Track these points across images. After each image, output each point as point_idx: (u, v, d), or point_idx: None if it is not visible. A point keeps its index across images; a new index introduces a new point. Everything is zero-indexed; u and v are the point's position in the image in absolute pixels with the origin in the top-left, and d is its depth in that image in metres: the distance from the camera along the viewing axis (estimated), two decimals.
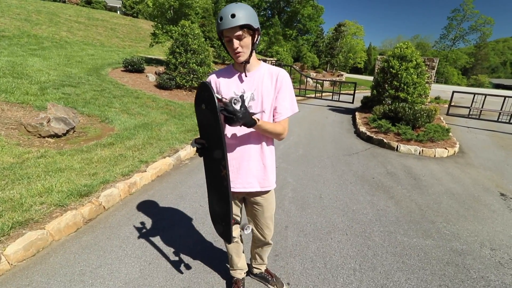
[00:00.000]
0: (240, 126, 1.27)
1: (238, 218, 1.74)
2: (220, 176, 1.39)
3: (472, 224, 3.04)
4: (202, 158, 1.50)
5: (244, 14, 1.24)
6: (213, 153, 1.41)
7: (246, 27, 1.27)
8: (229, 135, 1.48)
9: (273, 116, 1.49)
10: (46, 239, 2.32)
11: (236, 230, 1.75)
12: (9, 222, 2.32)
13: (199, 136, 1.47)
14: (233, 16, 1.22)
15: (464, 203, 3.52)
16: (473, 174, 4.62)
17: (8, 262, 2.06)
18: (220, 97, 1.26)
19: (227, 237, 1.50)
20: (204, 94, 1.28)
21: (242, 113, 1.19)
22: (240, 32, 1.27)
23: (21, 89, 5.67)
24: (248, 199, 1.65)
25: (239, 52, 1.32)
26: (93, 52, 12.24)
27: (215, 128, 1.29)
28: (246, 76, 1.44)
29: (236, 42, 1.29)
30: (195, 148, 1.43)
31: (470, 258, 2.47)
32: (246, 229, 1.42)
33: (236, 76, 1.46)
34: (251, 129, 1.44)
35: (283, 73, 1.46)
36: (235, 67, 1.48)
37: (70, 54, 10.65)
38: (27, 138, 4.11)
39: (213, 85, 1.49)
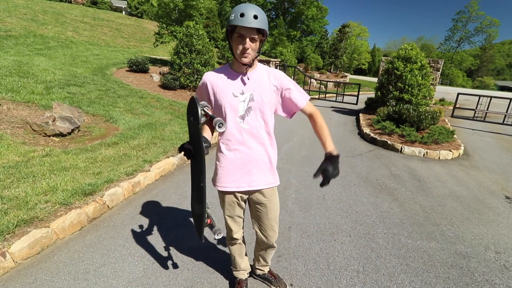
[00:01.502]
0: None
1: (241, 220, 1.74)
2: (199, 186, 1.45)
3: (477, 227, 3.01)
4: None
5: (263, 19, 1.29)
6: (196, 163, 1.47)
7: (261, 32, 1.32)
8: (236, 137, 1.47)
9: (288, 110, 1.58)
10: (50, 237, 2.34)
11: (239, 232, 1.76)
12: (14, 220, 2.34)
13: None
14: (255, 17, 1.25)
15: (469, 206, 3.49)
16: (478, 176, 4.58)
17: (13, 260, 2.08)
18: (208, 112, 1.34)
19: (199, 236, 1.57)
20: (193, 108, 1.33)
21: (338, 168, 1.41)
22: (256, 36, 1.31)
23: (27, 88, 5.72)
24: (251, 199, 1.63)
25: (247, 54, 1.33)
26: (98, 52, 12.33)
27: (198, 142, 1.35)
28: (248, 78, 1.44)
29: (248, 43, 1.31)
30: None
31: (474, 261, 2.45)
32: (217, 235, 1.47)
33: (234, 77, 1.45)
34: (260, 131, 1.48)
35: (278, 72, 1.51)
36: (233, 67, 1.47)
37: (75, 54, 10.73)
38: (33, 137, 4.15)
39: (208, 86, 1.48)
